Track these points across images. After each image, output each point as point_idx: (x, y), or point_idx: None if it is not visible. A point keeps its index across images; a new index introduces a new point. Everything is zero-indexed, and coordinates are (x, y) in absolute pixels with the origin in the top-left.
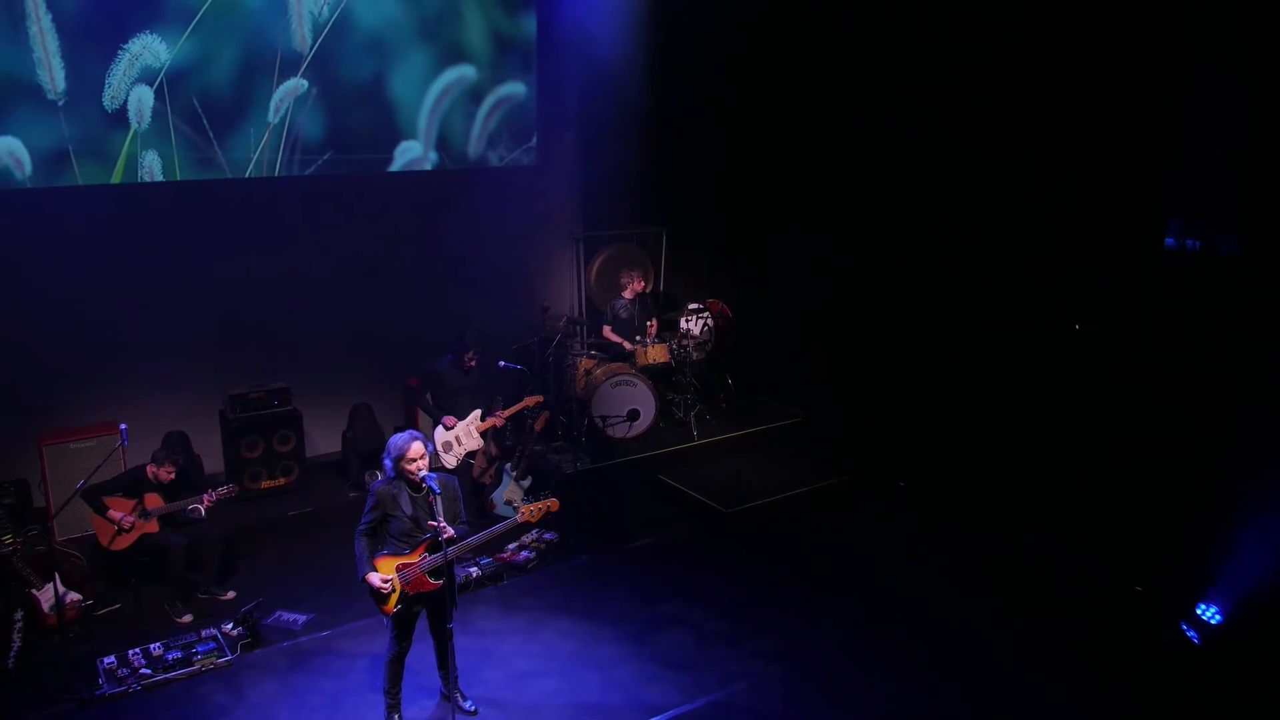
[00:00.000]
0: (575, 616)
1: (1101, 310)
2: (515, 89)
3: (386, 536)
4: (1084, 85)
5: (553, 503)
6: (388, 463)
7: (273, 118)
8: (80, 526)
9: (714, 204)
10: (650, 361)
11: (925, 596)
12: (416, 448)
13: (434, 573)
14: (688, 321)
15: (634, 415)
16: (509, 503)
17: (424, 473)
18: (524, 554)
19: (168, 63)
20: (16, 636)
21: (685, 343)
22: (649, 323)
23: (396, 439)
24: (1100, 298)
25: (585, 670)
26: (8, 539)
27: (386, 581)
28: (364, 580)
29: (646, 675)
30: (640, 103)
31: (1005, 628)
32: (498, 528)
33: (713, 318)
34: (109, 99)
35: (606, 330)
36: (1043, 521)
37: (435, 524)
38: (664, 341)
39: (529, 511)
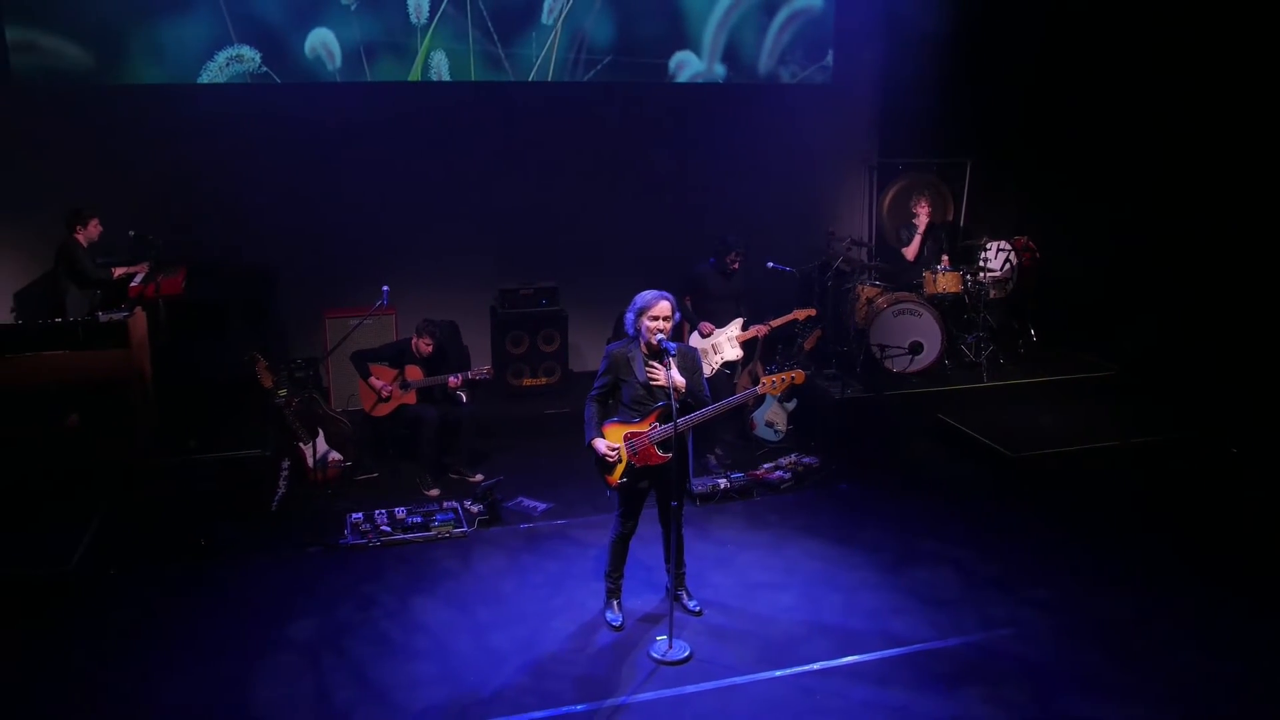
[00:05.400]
0: (825, 540)
1: None
2: (811, 1)
3: (618, 404)
4: None
5: (798, 374)
6: (629, 316)
7: (546, 19)
8: (354, 402)
9: (1027, 139)
10: (939, 290)
11: (1244, 575)
12: (664, 306)
13: (663, 445)
14: (987, 252)
15: (916, 348)
16: (770, 424)
17: (662, 336)
18: (778, 474)
19: None
20: (282, 483)
21: (983, 277)
22: (941, 255)
23: (644, 293)
24: None
25: (827, 591)
26: (282, 392)
27: (613, 450)
28: (589, 446)
29: (895, 606)
30: (948, 23)
31: None
32: (734, 399)
33: (1016, 253)
34: None
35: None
36: None
37: (670, 374)
38: (957, 270)
39: (771, 382)
